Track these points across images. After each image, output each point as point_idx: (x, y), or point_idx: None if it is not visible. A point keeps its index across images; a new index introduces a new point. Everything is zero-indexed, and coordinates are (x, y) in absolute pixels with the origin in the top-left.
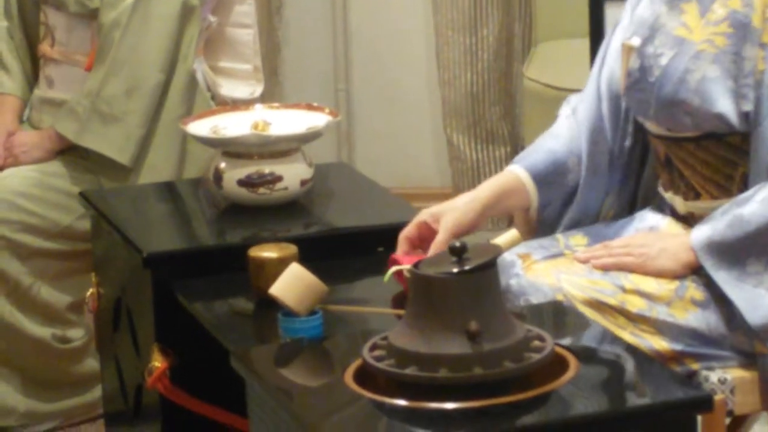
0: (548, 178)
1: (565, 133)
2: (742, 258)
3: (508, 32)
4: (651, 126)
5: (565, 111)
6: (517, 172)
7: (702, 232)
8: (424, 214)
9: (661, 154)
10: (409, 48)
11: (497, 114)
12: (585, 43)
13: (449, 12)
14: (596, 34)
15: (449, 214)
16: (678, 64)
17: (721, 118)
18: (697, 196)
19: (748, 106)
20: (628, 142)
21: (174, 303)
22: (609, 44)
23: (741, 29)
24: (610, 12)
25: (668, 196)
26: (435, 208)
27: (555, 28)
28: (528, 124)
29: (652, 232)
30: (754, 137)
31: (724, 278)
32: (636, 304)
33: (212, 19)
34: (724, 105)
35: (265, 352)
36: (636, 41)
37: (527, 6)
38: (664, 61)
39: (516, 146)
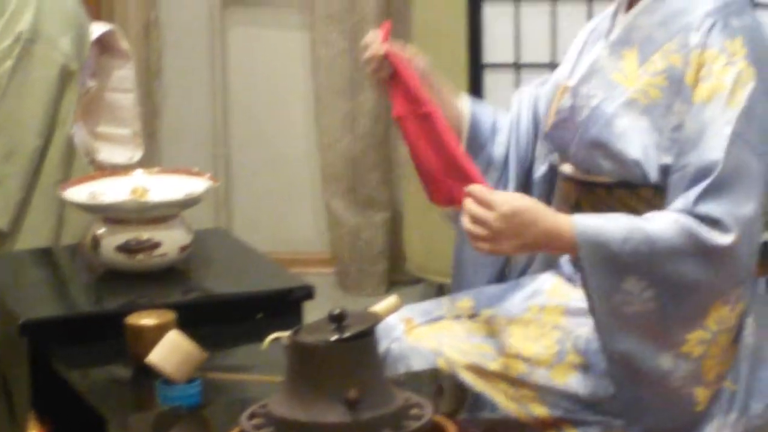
0: (482, 122)
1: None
2: (622, 273)
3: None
4: (566, 168)
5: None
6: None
7: (591, 233)
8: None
9: (571, 198)
10: (288, 112)
11: (376, 179)
12: None
13: (328, 77)
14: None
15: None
16: (607, 107)
17: (638, 166)
18: None
19: (667, 159)
20: (538, 173)
21: (51, 370)
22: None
23: (676, 84)
24: (489, 78)
25: None
26: None
27: None
28: (407, 189)
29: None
30: (668, 184)
31: (596, 285)
32: (517, 369)
33: (91, 83)
34: (645, 154)
35: (143, 420)
36: (572, 81)
37: None
38: (594, 102)
39: (395, 211)
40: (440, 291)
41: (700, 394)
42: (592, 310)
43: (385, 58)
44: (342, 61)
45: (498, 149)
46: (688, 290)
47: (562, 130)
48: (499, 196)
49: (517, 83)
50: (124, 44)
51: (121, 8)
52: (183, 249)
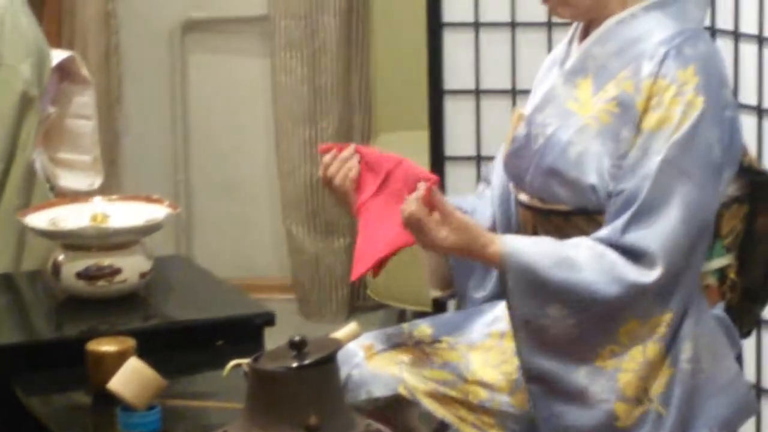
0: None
1: (486, 204)
2: (548, 299)
3: (347, 124)
4: (523, 196)
5: (480, 188)
6: None
7: (522, 256)
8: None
9: (529, 226)
10: (248, 139)
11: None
12: (424, 135)
13: (288, 103)
14: (435, 125)
15: None
16: (562, 135)
17: (594, 191)
18: None
19: (612, 186)
20: None
21: (12, 397)
22: None
23: (626, 110)
24: (449, 104)
25: None
26: None
27: (394, 120)
28: None
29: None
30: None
31: (521, 308)
32: (478, 395)
33: (51, 110)
34: (600, 179)
35: None
36: (527, 109)
37: (366, 97)
38: (549, 130)
39: (355, 238)
40: (401, 317)
41: (621, 409)
42: (514, 330)
43: (356, 153)
44: (302, 87)
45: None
46: (609, 316)
47: (517, 159)
48: (437, 232)
49: (478, 109)
50: (84, 71)
51: (81, 35)
52: (143, 275)
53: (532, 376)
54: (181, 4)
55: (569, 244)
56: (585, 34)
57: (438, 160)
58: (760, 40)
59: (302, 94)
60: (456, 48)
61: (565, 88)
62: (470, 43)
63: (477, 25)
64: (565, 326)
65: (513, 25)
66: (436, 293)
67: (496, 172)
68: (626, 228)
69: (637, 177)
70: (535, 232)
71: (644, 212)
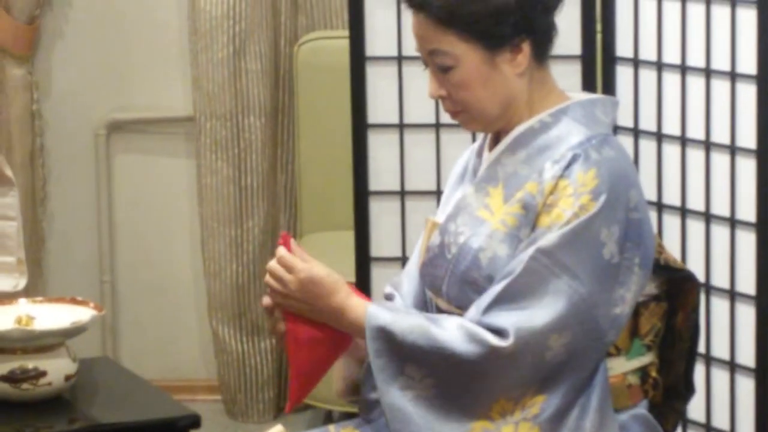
0: None
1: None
2: (404, 359)
3: (273, 224)
4: (442, 303)
5: (387, 290)
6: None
7: (379, 321)
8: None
9: None
10: (174, 239)
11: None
12: (350, 235)
13: (214, 204)
14: (361, 226)
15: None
16: (474, 243)
17: None
18: None
19: None
20: None
21: None
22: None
23: (528, 212)
24: (374, 204)
25: None
26: None
27: (320, 220)
28: None
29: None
30: None
31: (380, 368)
32: None
33: None
34: None
35: None
36: (440, 218)
37: (292, 198)
38: (462, 239)
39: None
40: (328, 418)
41: None
42: (380, 394)
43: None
44: (228, 188)
45: None
46: (467, 383)
47: (433, 268)
48: (300, 263)
49: (403, 210)
50: (8, 171)
51: (5, 135)
52: (68, 378)
53: None
54: (106, 105)
55: (431, 317)
56: (495, 141)
57: (363, 260)
58: (683, 141)
59: (228, 194)
60: (381, 149)
61: (477, 197)
62: (395, 144)
63: (402, 126)
64: (425, 386)
65: (437, 126)
66: (344, 399)
67: (409, 278)
68: (488, 308)
69: (513, 262)
70: None
71: (508, 295)
